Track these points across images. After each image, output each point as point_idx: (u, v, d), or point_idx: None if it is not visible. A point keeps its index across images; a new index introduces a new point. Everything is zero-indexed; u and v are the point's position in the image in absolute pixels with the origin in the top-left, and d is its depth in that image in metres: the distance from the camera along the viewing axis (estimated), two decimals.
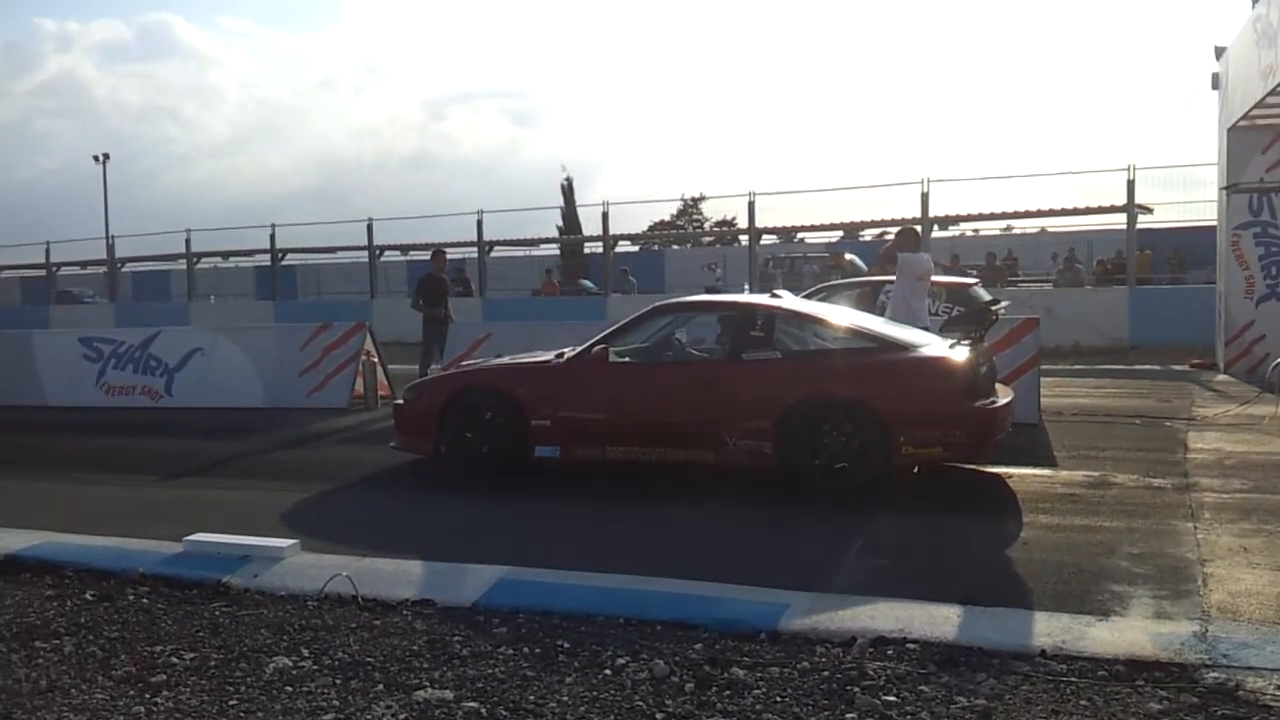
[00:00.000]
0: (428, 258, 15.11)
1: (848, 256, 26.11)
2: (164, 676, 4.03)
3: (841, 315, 8.20)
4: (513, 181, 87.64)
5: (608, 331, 8.07)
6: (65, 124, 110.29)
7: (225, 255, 34.21)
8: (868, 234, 28.58)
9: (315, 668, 4.09)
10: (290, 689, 3.88)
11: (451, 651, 4.23)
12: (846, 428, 6.98)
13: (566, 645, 4.27)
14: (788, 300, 8.19)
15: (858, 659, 4.04)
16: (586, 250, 33.60)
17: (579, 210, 37.96)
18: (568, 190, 42.30)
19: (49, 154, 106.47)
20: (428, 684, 3.89)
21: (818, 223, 24.60)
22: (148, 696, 3.86)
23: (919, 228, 13.80)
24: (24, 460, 9.62)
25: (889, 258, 10.47)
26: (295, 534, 5.92)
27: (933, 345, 7.47)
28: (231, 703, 3.77)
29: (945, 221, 23.37)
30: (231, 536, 5.83)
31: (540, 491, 7.48)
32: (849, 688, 3.76)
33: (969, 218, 23.97)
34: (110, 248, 33.55)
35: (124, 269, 35.26)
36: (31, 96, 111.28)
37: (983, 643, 4.16)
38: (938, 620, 4.44)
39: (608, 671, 3.99)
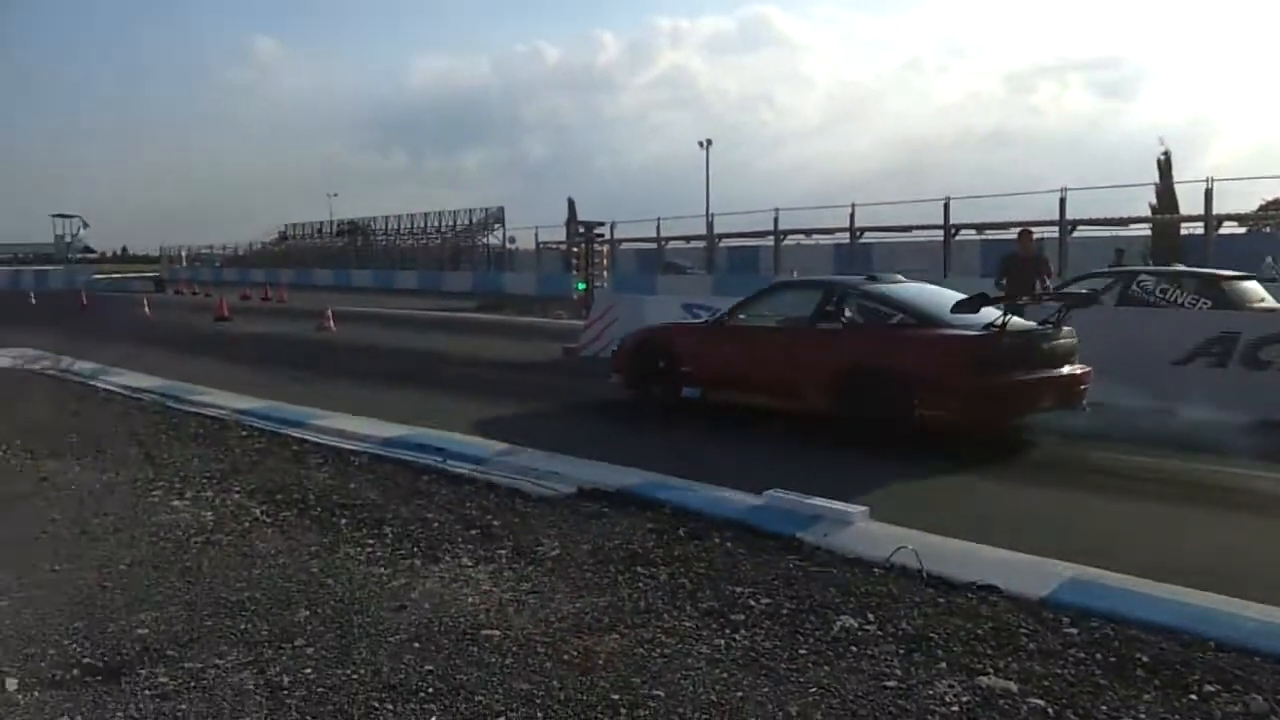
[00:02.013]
0: (1002, 237, 14.67)
1: None
2: (742, 616, 4.40)
3: (907, 294, 9.21)
4: (1098, 157, 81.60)
5: (739, 301, 10.37)
6: (675, 114, 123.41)
7: (808, 233, 36.15)
8: None
9: (880, 634, 4.21)
10: (855, 649, 4.04)
11: (1017, 644, 4.11)
12: (878, 389, 8.38)
13: (1145, 659, 3.95)
14: (866, 281, 9.42)
15: None
16: (1183, 231, 30.21)
17: (1176, 187, 34.22)
18: (1164, 165, 38.30)
19: (660, 140, 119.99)
20: (991, 671, 3.83)
21: None
22: (727, 631, 4.24)
23: None
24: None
25: None
26: (865, 501, 6.09)
27: (964, 325, 8.40)
28: (801, 651, 4.02)
29: None
30: (806, 496, 6.14)
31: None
32: None
33: None
34: (710, 225, 37.01)
35: (720, 244, 38.65)
36: (647, 90, 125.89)
37: None
38: None
39: (1193, 696, 3.63)
